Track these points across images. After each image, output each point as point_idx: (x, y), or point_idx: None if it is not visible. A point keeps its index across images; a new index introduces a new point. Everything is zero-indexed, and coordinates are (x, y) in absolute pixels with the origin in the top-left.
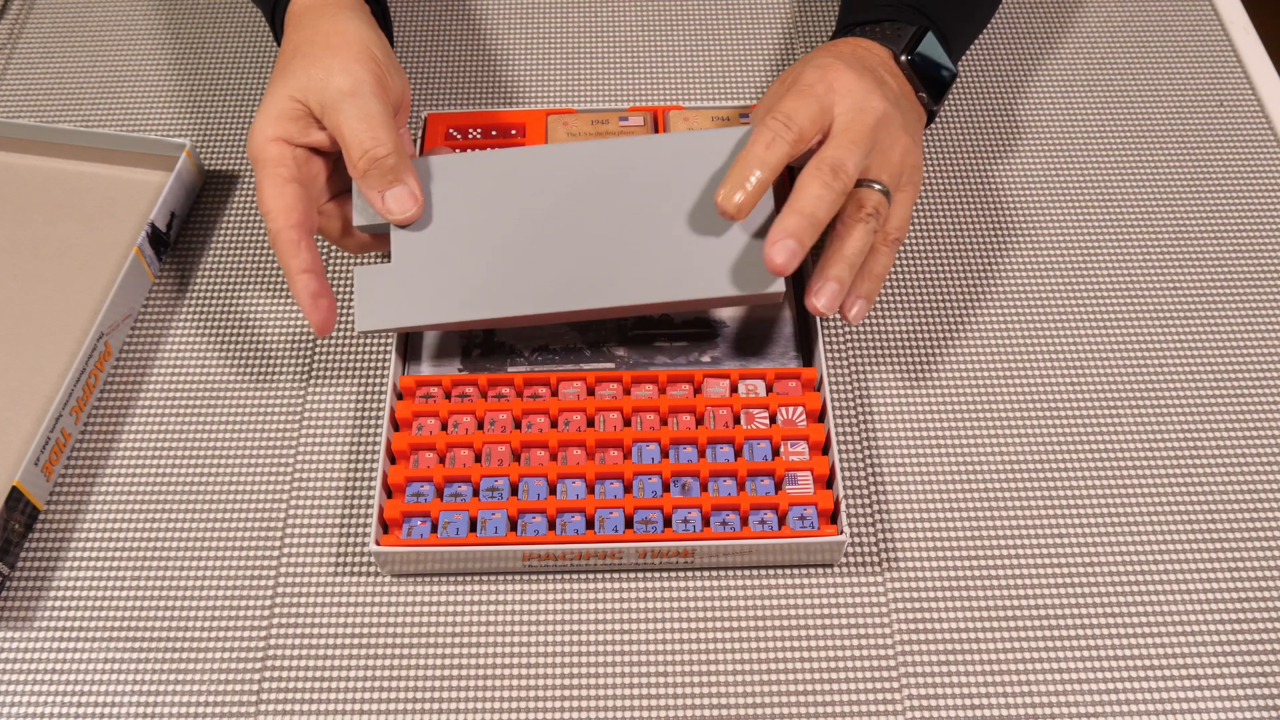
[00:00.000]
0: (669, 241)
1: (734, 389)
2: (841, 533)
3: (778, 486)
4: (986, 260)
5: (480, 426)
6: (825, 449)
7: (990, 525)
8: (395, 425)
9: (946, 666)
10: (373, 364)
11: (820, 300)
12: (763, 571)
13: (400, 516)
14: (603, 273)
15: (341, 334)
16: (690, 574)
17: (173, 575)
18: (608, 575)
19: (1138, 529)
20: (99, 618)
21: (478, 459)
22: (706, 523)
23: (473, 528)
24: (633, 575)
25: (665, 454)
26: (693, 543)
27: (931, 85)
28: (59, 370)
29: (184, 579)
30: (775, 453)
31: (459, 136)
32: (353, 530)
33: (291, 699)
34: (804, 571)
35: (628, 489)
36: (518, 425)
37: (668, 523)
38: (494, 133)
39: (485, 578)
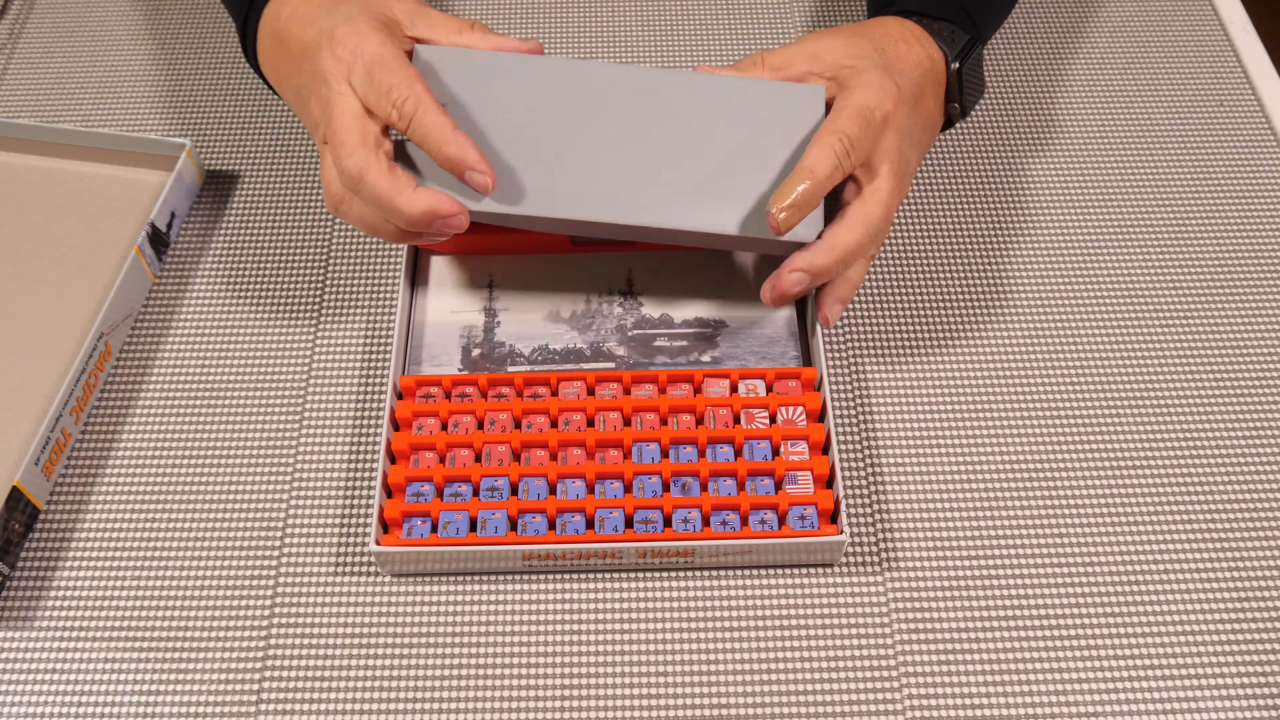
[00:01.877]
0: (703, 176)
1: (734, 389)
2: (841, 532)
3: (778, 486)
4: (986, 260)
5: (480, 426)
6: (825, 449)
7: (990, 525)
8: (395, 425)
9: (946, 666)
10: (373, 364)
11: (832, 313)
12: (763, 571)
13: (400, 516)
14: (634, 191)
15: (342, 334)
16: (690, 574)
17: (173, 575)
18: (608, 575)
19: (1138, 529)
20: (99, 618)
21: (478, 459)
22: (706, 522)
23: (473, 528)
24: (633, 575)
25: (665, 454)
26: (693, 543)
27: (967, 97)
28: (59, 370)
29: (184, 579)
30: (775, 452)
31: None
32: (353, 530)
33: (291, 699)
34: (804, 571)
35: (628, 489)
36: (518, 425)
37: (668, 522)
38: None
39: (485, 578)
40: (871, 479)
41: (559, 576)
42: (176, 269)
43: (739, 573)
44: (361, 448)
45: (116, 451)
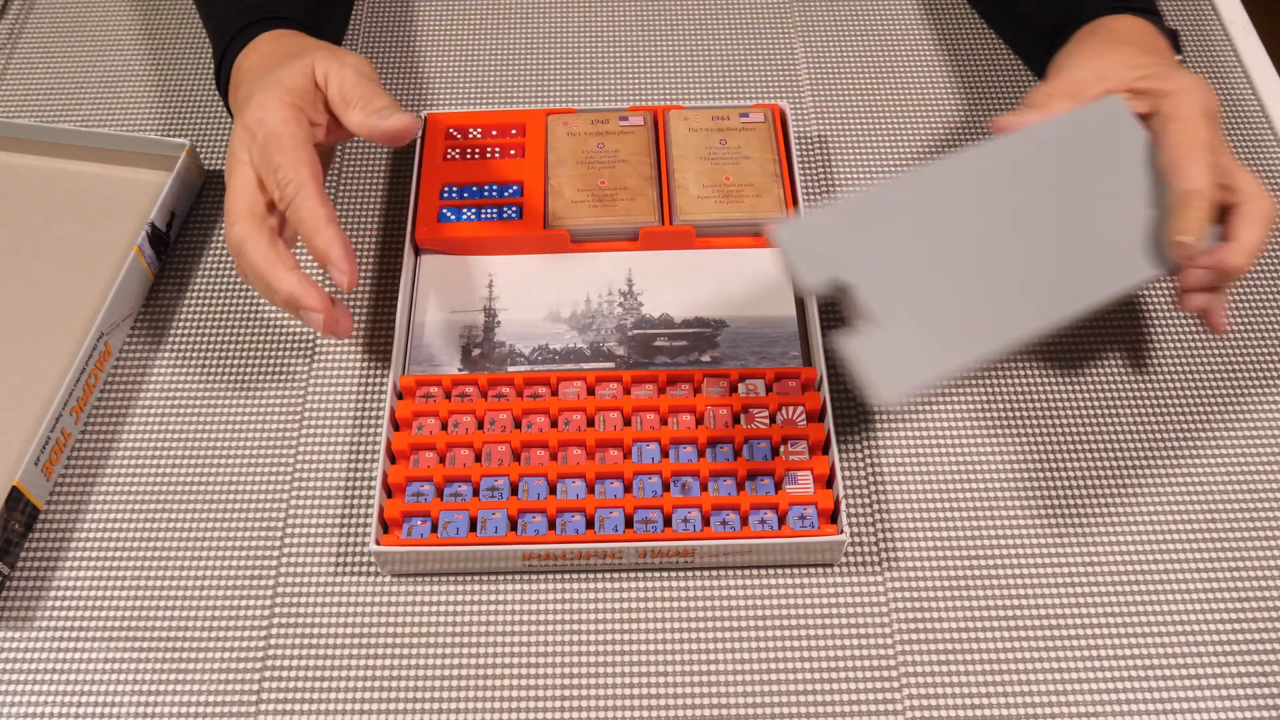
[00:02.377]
0: (1091, 235)
1: (734, 389)
2: (841, 532)
3: (778, 486)
4: None
5: (480, 426)
6: (825, 448)
7: (990, 525)
8: (395, 425)
9: (946, 666)
10: (373, 364)
11: (1223, 320)
12: (763, 571)
13: (400, 516)
14: (1075, 269)
15: None
16: (690, 574)
17: (173, 575)
18: (608, 575)
19: (1138, 529)
20: (99, 618)
21: (478, 459)
22: (706, 522)
23: (473, 527)
24: (633, 575)
25: (665, 454)
26: (693, 542)
27: None
28: (59, 370)
29: (184, 579)
30: (775, 452)
31: (459, 136)
32: (353, 530)
33: (291, 699)
34: (804, 571)
35: (628, 489)
36: (518, 425)
37: (668, 522)
38: (494, 132)
39: (485, 578)
40: (871, 479)
41: (559, 576)
42: (176, 269)
43: (739, 573)
44: (361, 448)
45: (116, 451)
